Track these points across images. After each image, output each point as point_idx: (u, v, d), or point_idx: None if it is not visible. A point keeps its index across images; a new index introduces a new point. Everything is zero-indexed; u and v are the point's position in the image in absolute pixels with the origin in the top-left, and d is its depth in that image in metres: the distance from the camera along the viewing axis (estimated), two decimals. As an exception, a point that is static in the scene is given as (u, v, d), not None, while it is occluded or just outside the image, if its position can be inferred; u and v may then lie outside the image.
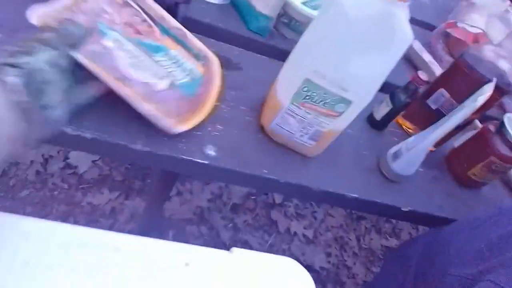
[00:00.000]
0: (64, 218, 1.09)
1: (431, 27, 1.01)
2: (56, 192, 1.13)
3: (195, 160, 0.53)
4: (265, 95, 0.62)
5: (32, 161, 1.14)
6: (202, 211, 1.27)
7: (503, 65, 0.60)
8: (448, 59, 0.92)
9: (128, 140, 0.51)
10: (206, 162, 0.53)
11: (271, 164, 0.57)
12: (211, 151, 0.54)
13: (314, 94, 0.51)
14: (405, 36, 0.44)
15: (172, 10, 0.62)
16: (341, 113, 0.52)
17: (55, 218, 1.09)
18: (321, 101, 0.51)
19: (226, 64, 0.66)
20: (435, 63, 0.84)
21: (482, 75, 0.61)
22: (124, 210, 1.17)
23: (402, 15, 0.45)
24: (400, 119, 0.74)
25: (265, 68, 0.69)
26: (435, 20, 1.05)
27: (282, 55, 0.72)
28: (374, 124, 0.69)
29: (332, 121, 0.54)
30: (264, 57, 0.72)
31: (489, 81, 0.58)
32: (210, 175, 0.56)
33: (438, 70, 0.82)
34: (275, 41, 0.74)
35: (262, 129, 0.60)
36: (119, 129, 0.51)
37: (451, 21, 0.91)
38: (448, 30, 0.89)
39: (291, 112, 0.54)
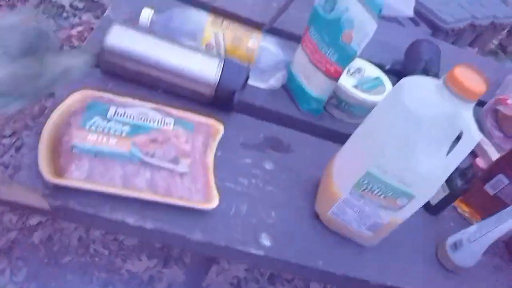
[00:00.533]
0: (104, 286, 1.08)
1: (480, 103, 1.00)
2: (97, 259, 1.13)
3: (251, 252, 0.52)
4: (318, 178, 0.62)
5: (76, 227, 1.16)
6: (239, 282, 1.24)
7: None
8: (498, 135, 0.90)
9: (186, 230, 0.51)
10: (261, 253, 0.52)
11: (327, 255, 0.56)
12: (266, 241, 0.54)
13: (375, 187, 0.50)
14: (471, 138, 0.44)
15: (229, 97, 0.65)
16: (402, 207, 0.51)
17: (96, 286, 1.08)
18: (382, 194, 0.50)
19: (277, 146, 0.67)
20: (489, 143, 0.82)
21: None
22: (163, 278, 1.15)
23: (469, 115, 0.44)
24: (457, 201, 0.71)
25: (316, 149, 0.70)
26: (483, 95, 1.04)
27: (332, 136, 0.73)
28: (430, 209, 0.67)
29: (392, 214, 0.52)
30: (314, 138, 0.72)
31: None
32: (265, 265, 0.55)
33: (493, 153, 0.80)
34: (324, 122, 0.75)
35: (316, 215, 0.59)
36: (178, 218, 0.51)
37: (500, 96, 0.90)
38: (498, 107, 0.88)
39: (349, 202, 0.53)
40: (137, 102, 0.61)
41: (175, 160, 0.55)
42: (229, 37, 0.70)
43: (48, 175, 0.48)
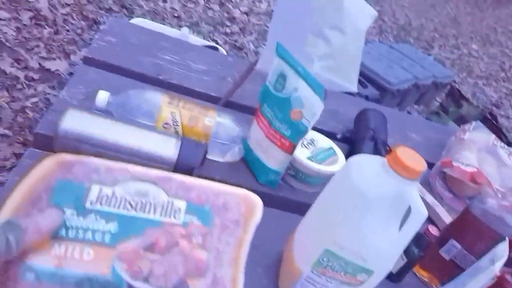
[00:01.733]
0: None
1: (428, 164, 1.06)
2: None
3: None
4: (280, 253, 0.62)
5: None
6: None
7: (509, 218, 0.62)
8: (448, 196, 0.94)
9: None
10: None
11: (293, 335, 0.55)
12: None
13: (335, 264, 0.51)
14: (420, 214, 0.46)
15: (188, 174, 0.65)
16: (362, 282, 0.52)
17: None
18: (342, 270, 0.51)
19: (238, 221, 0.67)
20: (439, 206, 0.86)
21: (491, 229, 0.62)
22: None
23: (415, 192, 0.47)
24: (415, 267, 0.73)
25: (276, 221, 0.70)
26: (430, 157, 1.10)
27: (291, 207, 0.74)
28: (391, 277, 0.68)
29: (354, 289, 0.53)
30: (274, 209, 0.73)
31: (499, 235, 0.60)
32: None
33: (445, 215, 0.84)
34: (283, 193, 0.76)
35: (280, 293, 0.58)
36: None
37: (445, 159, 0.96)
38: (445, 170, 0.93)
39: (311, 280, 0.53)
40: (136, 169, 0.45)
41: (182, 286, 0.37)
42: (185, 116, 0.72)
43: None
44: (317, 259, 0.52)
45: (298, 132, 0.68)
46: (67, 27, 2.25)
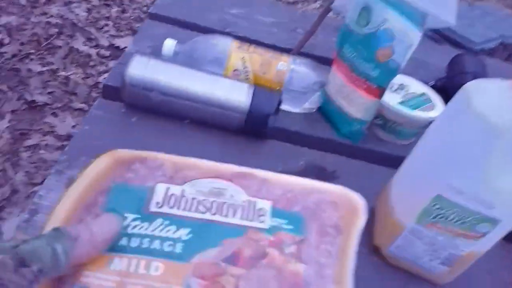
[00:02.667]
0: None
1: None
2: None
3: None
4: (372, 208, 0.54)
5: None
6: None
7: None
8: None
9: None
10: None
11: (394, 298, 0.47)
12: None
13: (449, 212, 0.42)
14: None
15: (263, 122, 0.59)
16: (484, 234, 0.42)
17: None
18: (457, 220, 0.42)
19: (321, 173, 0.60)
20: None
21: None
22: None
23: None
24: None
25: (363, 174, 0.62)
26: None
27: (379, 159, 0.65)
28: (509, 237, 0.57)
29: (472, 244, 0.43)
30: (361, 162, 0.64)
31: None
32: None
33: None
34: (370, 145, 0.67)
35: (376, 250, 0.50)
36: None
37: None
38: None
39: (417, 233, 0.45)
40: (208, 165, 0.38)
41: None
42: (256, 62, 0.65)
43: None
44: (424, 209, 0.43)
45: (388, 71, 0.58)
46: (133, 6, 2.30)
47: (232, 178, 0.37)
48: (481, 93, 0.40)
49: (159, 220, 0.32)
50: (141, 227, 0.31)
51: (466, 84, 0.42)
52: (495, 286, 0.52)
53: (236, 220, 0.33)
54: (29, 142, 1.48)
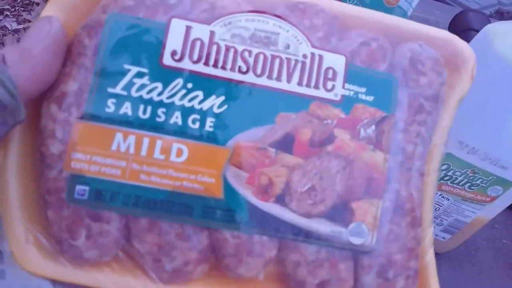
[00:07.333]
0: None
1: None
2: None
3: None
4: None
5: None
6: None
7: None
8: None
9: None
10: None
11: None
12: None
13: (457, 173, 0.37)
14: None
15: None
16: (494, 198, 0.38)
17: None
18: (466, 182, 0.37)
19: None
20: None
21: None
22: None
23: None
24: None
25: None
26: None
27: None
28: (510, 203, 0.53)
29: (480, 209, 0.39)
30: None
31: None
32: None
33: None
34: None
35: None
36: None
37: None
38: None
39: (419, 196, 0.40)
40: None
41: (341, 213, 0.21)
42: None
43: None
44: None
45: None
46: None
47: (286, 13, 0.23)
48: (504, 35, 0.35)
49: (178, 81, 0.21)
50: (152, 89, 0.21)
51: (486, 27, 0.36)
52: (498, 255, 0.49)
53: (292, 86, 0.22)
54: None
